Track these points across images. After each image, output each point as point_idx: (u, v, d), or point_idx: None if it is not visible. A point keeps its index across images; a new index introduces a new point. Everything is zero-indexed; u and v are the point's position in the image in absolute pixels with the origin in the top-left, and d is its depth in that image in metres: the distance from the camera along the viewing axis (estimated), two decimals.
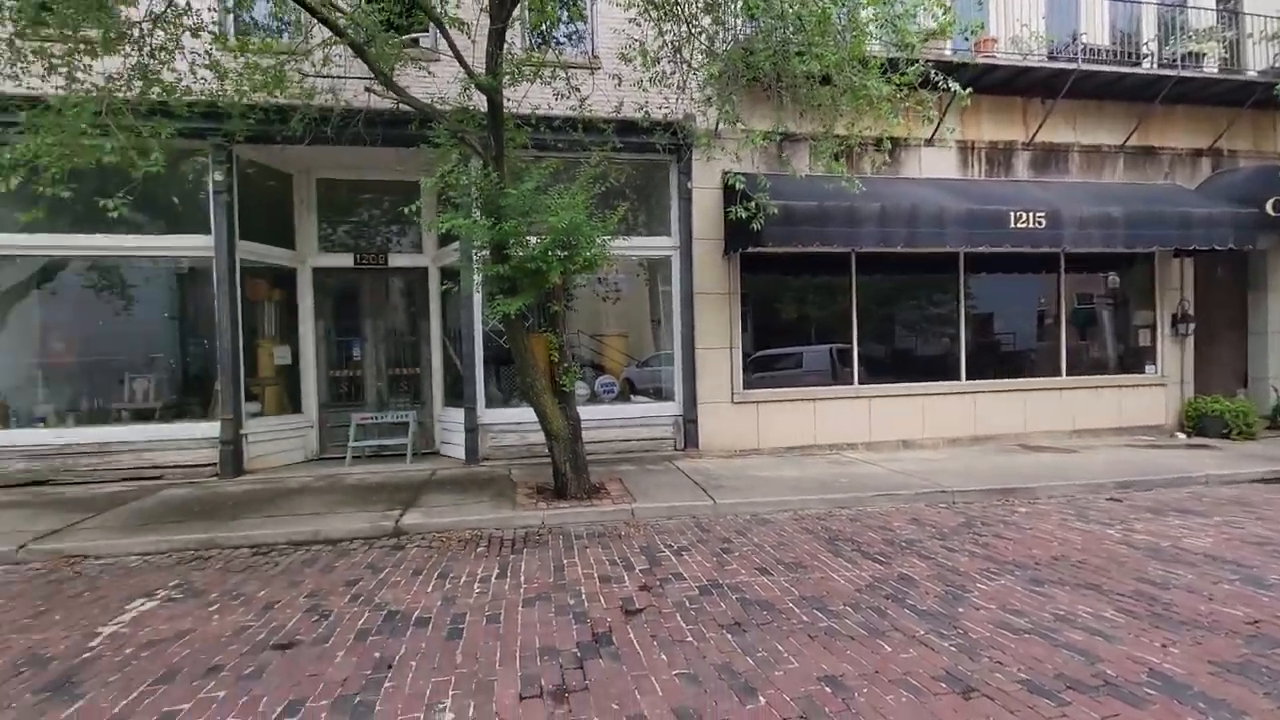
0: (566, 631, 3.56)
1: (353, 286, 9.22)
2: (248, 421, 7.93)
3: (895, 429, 8.99)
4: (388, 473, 7.85)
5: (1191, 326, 9.99)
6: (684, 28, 6.29)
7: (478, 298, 8.20)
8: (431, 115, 5.90)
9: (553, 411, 6.33)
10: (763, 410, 8.71)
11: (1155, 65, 9.45)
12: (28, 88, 5.51)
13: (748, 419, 8.67)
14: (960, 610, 3.76)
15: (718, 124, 7.51)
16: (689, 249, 8.54)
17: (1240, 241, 8.80)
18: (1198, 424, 9.66)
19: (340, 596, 4.15)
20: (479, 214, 5.67)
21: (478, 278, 7.55)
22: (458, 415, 8.71)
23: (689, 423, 8.58)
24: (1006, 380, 9.53)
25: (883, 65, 5.63)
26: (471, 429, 8.18)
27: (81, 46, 5.33)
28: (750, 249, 8.00)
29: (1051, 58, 9.17)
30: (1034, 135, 9.45)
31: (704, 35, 6.35)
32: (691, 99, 7.27)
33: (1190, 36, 9.65)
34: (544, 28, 7.50)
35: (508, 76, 5.94)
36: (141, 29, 5.69)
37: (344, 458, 8.60)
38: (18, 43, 5.06)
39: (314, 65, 6.76)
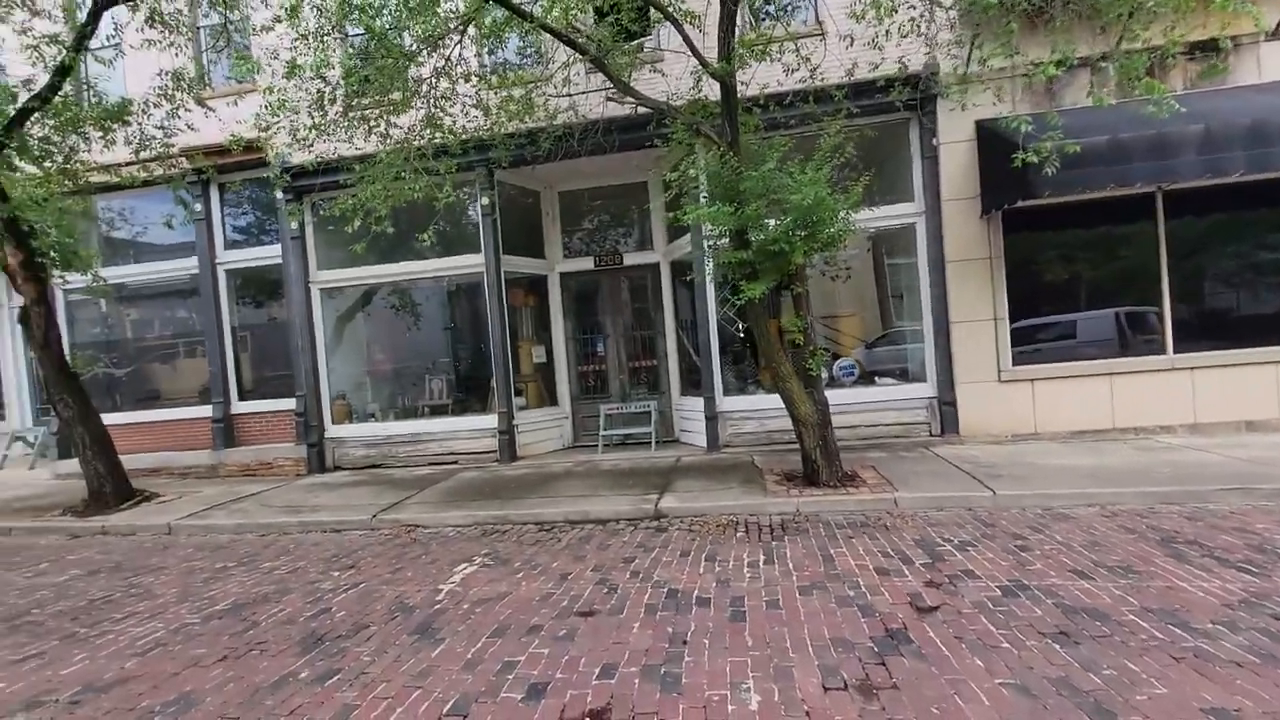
0: (854, 624, 3.38)
1: (593, 287, 9.96)
2: (517, 414, 8.99)
3: (1233, 407, 7.15)
4: (636, 459, 8.33)
5: None
6: None
7: (711, 287, 8.32)
8: (667, 112, 6.06)
9: (800, 396, 6.14)
10: (1039, 389, 7.53)
11: None
12: (356, 149, 6.80)
13: (1020, 399, 7.57)
14: None
15: (968, 64, 6.64)
16: (936, 213, 7.70)
17: None
18: None
19: (622, 572, 4.45)
20: (719, 201, 5.68)
21: (709, 266, 7.68)
22: (695, 404, 8.94)
23: (945, 405, 7.76)
24: None
25: None
26: (711, 417, 8.33)
27: (390, 108, 6.43)
28: (1019, 203, 6.92)
29: None
30: None
31: None
32: (935, 44, 6.52)
33: None
34: (769, 5, 7.27)
35: (738, 59, 5.86)
36: (430, 84, 6.70)
37: (594, 445, 9.36)
38: (350, 113, 6.27)
39: (555, 87, 7.41)
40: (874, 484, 6.07)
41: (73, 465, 9.29)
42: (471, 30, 6.42)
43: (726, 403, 8.42)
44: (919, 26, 6.25)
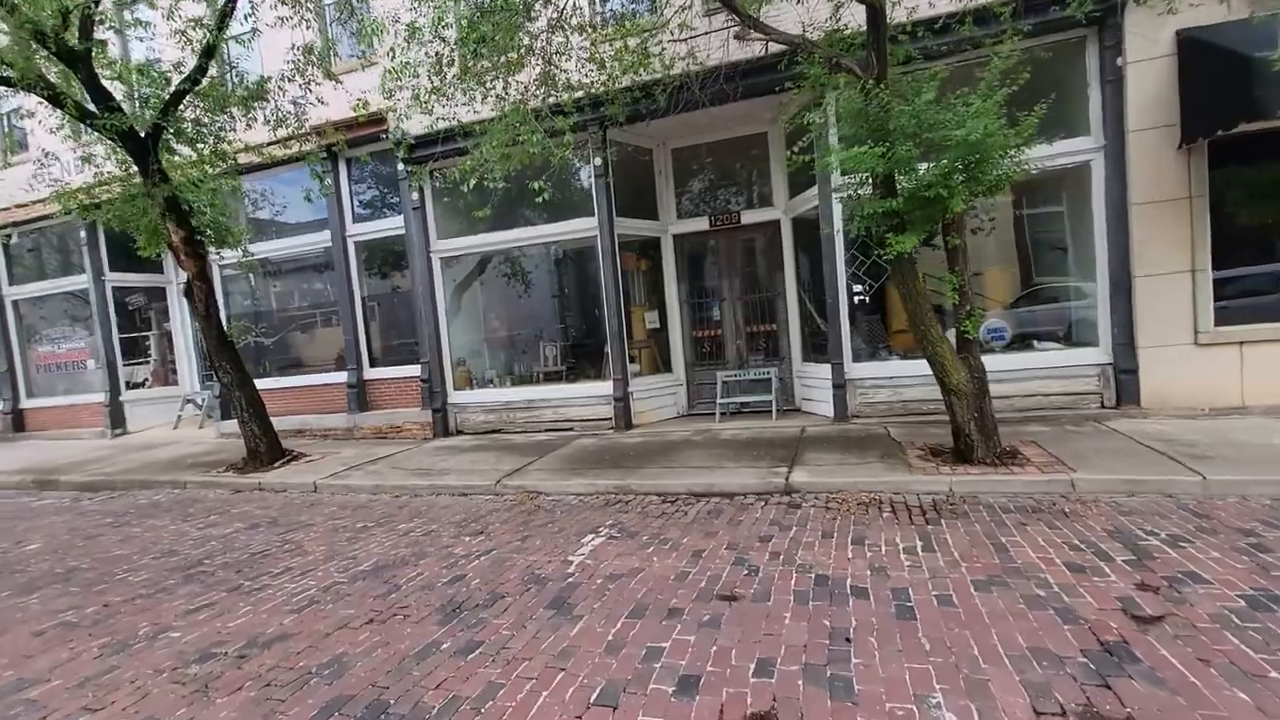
0: (1055, 632, 2.85)
1: (708, 248, 9.50)
2: (631, 381, 8.82)
3: None
4: (757, 429, 7.92)
5: None
6: None
7: (840, 244, 7.65)
8: (801, 46, 5.44)
9: (952, 363, 5.45)
10: (1250, 354, 6.31)
11: None
12: (474, 112, 6.70)
13: (1222, 365, 6.38)
14: None
15: None
16: (1119, 147, 6.55)
17: None
18: None
19: (760, 552, 4.12)
20: (863, 144, 5.03)
21: (838, 219, 6.99)
22: (819, 370, 8.36)
23: (1124, 373, 6.70)
24: None
25: None
26: (839, 385, 7.73)
27: (505, 67, 6.24)
28: (1240, 127, 5.68)
29: None
30: None
31: None
32: None
33: None
34: None
35: None
36: (545, 39, 6.44)
37: (709, 413, 9.04)
38: (467, 74, 6.14)
39: (671, 34, 6.93)
40: (1041, 462, 5.32)
41: (233, 425, 10.19)
42: None
43: (856, 369, 7.77)
44: None
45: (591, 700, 2.61)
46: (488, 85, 6.51)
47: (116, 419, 11.86)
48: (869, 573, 3.65)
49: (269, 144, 7.58)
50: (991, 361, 7.17)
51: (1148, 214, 6.49)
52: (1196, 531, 3.90)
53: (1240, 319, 6.40)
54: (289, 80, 6.64)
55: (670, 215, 9.42)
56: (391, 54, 5.67)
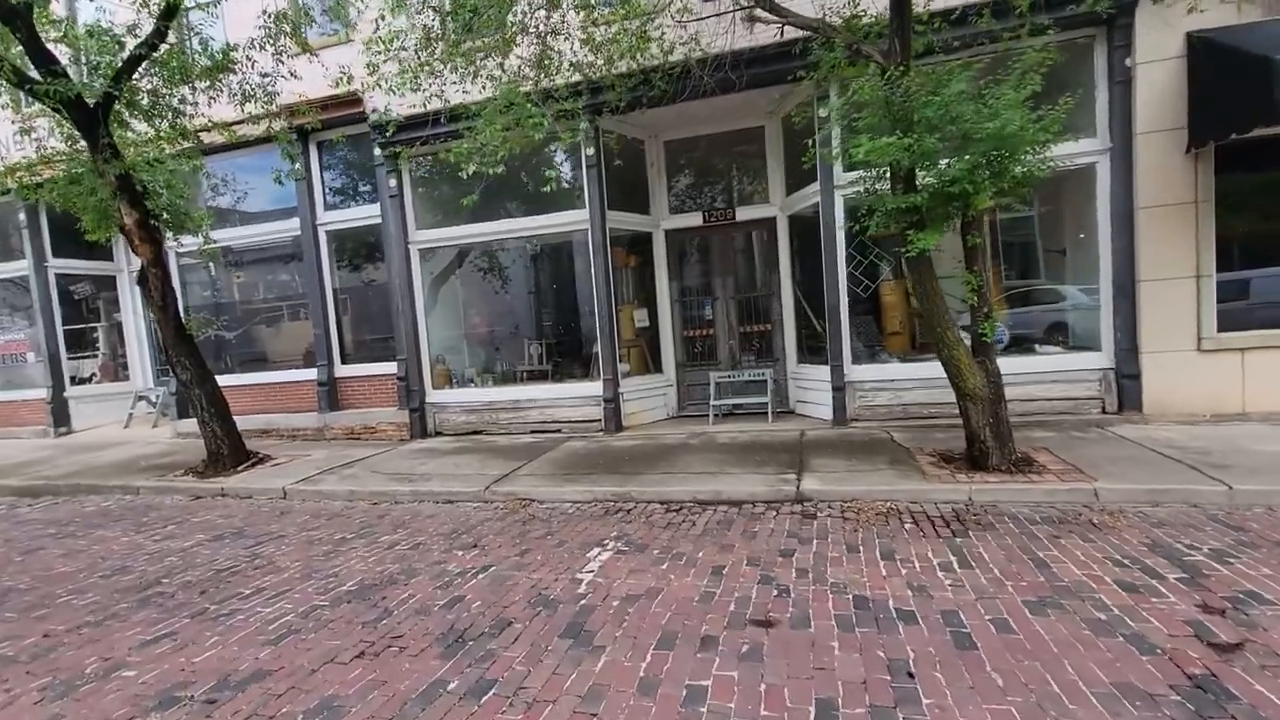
0: (1133, 663, 2.61)
1: (701, 245, 9.21)
2: (622, 381, 8.46)
3: None
4: (753, 432, 7.65)
5: None
6: None
7: (841, 242, 7.43)
8: (821, 31, 5.16)
9: (969, 366, 5.25)
10: (1252, 361, 6.28)
11: None
12: (463, 93, 6.23)
13: (1224, 372, 6.35)
14: None
15: None
16: (1126, 149, 6.46)
17: None
18: None
19: (785, 569, 3.82)
20: (882, 134, 4.77)
21: (840, 215, 6.75)
22: (816, 372, 8.14)
23: (1126, 378, 6.63)
24: None
25: None
26: (839, 387, 7.51)
27: (498, 44, 5.81)
28: (1253, 132, 5.60)
29: None
30: None
31: None
32: None
33: None
34: None
35: None
36: (539, 18, 6.03)
37: (700, 415, 8.76)
38: (456, 52, 5.69)
39: (673, 17, 6.59)
40: (1058, 470, 5.15)
41: (191, 424, 9.51)
42: None
43: (856, 372, 7.57)
44: None
45: None
46: (478, 64, 6.09)
47: (60, 417, 10.99)
48: (910, 593, 3.38)
49: (236, 122, 6.98)
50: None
51: (1154, 218, 6.41)
52: (1238, 546, 3.74)
53: (1243, 325, 6.37)
54: (260, 48, 6.07)
55: (662, 210, 9.09)
56: (377, 23, 5.20)
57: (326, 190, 9.55)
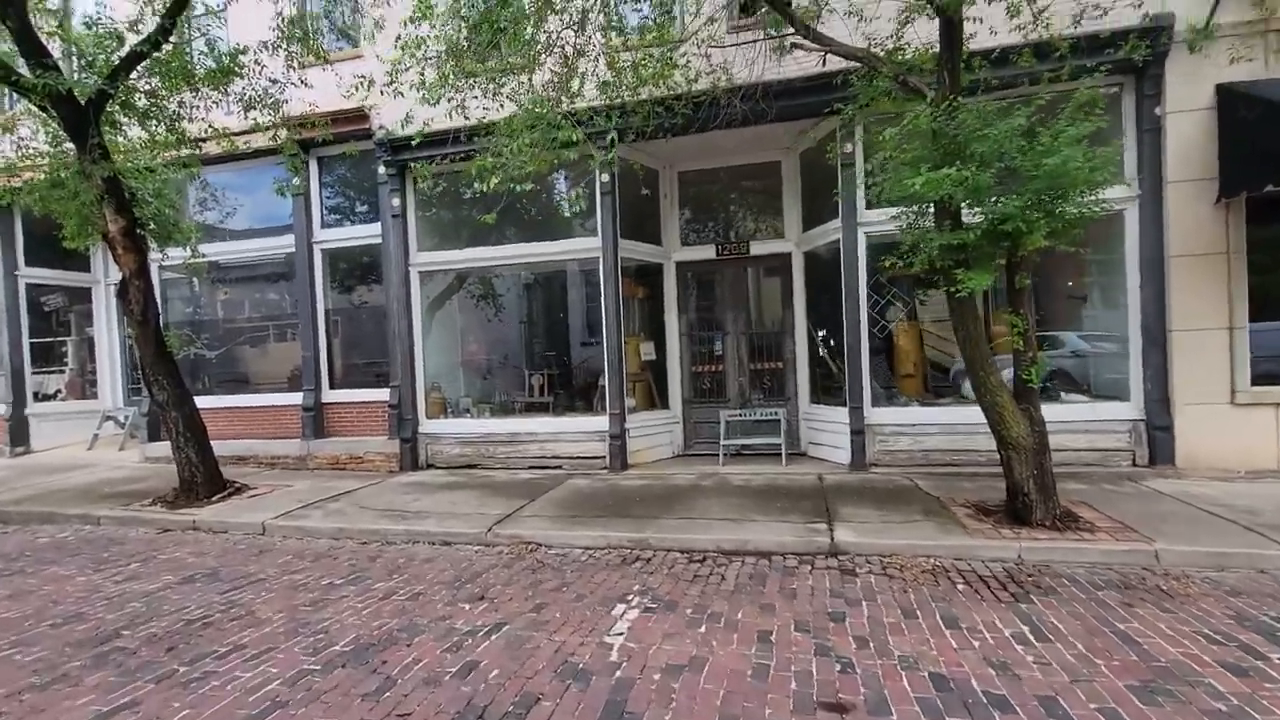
0: None
1: (713, 278, 8.96)
2: (628, 416, 8.06)
3: None
4: (768, 474, 7.27)
5: None
6: None
7: (864, 280, 7.20)
8: (866, 61, 4.97)
9: (1012, 414, 4.96)
10: None
11: None
12: (483, 109, 5.95)
13: (1259, 426, 6.16)
14: None
15: (1210, 16, 5.33)
16: (1155, 197, 6.36)
17: None
18: None
19: (840, 636, 3.42)
20: (922, 167, 4.55)
21: (864, 255, 6.53)
22: (831, 414, 7.84)
23: (1158, 430, 6.40)
24: None
25: None
26: (858, 431, 7.19)
27: (524, 62, 5.56)
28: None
29: None
30: None
31: None
32: None
33: None
34: None
35: None
36: (567, 37, 5.81)
37: (708, 454, 8.38)
38: (481, 67, 5.41)
39: (697, 46, 6.44)
40: (1108, 528, 4.84)
41: (162, 448, 8.89)
42: None
43: (875, 415, 7.26)
44: None
45: None
46: (499, 83, 5.83)
47: (18, 436, 10.24)
48: (992, 671, 2.99)
49: (242, 132, 6.60)
50: None
51: (1184, 267, 6.29)
52: None
53: (1277, 379, 6.20)
54: (272, 51, 5.74)
55: (674, 241, 8.84)
56: (401, 32, 4.91)
57: (324, 207, 9.17)
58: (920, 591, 4.03)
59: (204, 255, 7.78)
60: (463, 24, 4.88)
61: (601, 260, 7.87)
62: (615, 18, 6.35)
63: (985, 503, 5.58)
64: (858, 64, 5.13)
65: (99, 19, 5.38)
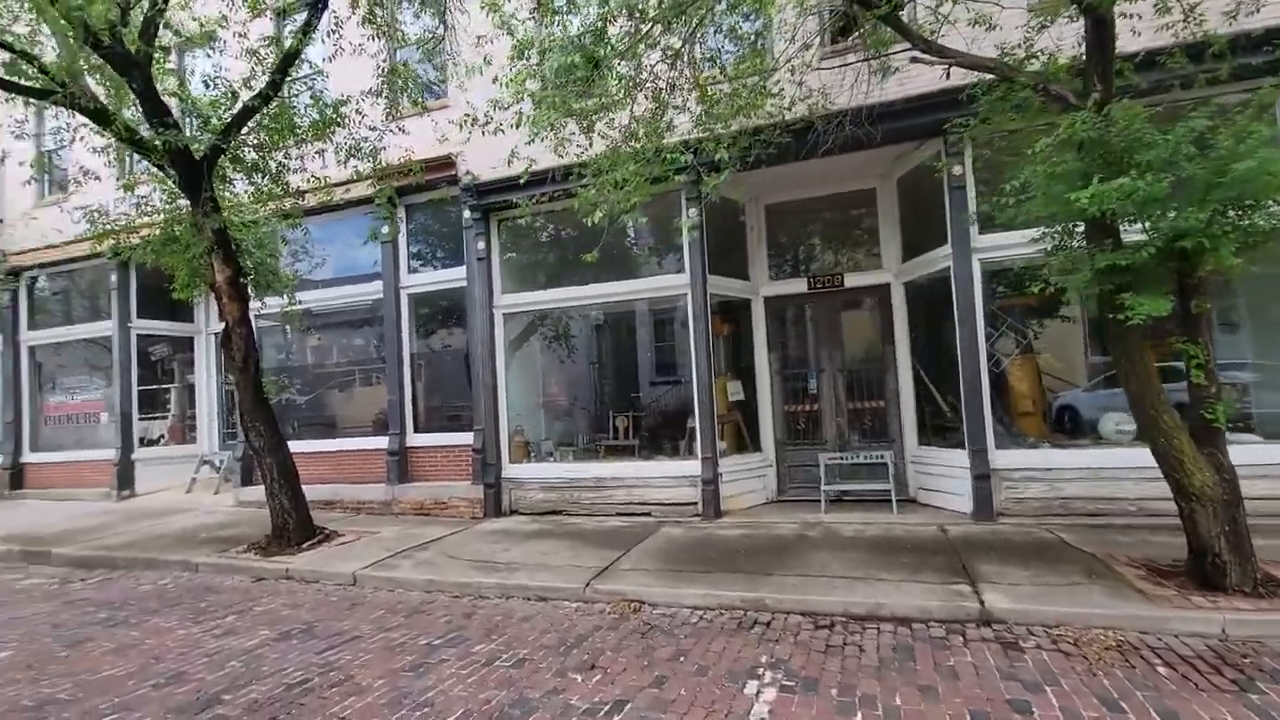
0: None
1: (805, 313, 8.51)
2: (720, 460, 7.61)
3: None
4: (879, 524, 6.64)
5: None
6: None
7: (981, 309, 6.61)
8: (996, 70, 4.56)
9: (1194, 460, 4.26)
10: None
11: None
12: (577, 148, 5.83)
13: None
14: None
15: None
16: None
17: None
18: None
19: None
20: (1066, 181, 4.04)
21: (980, 283, 5.96)
22: (944, 456, 7.16)
23: None
24: None
25: None
26: (982, 475, 6.48)
27: (623, 91, 5.43)
28: None
29: None
30: None
31: None
32: None
33: None
34: None
35: None
36: (661, 72, 5.66)
37: (804, 500, 7.82)
38: (575, 112, 5.29)
39: (791, 73, 6.18)
40: None
41: (254, 492, 9.04)
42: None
43: (1001, 458, 6.54)
44: None
45: None
46: (591, 120, 5.71)
47: (125, 479, 10.68)
48: None
49: (344, 183, 6.75)
50: (1120, 455, 6.06)
51: None
52: None
53: None
54: (376, 97, 5.84)
55: (762, 275, 8.47)
56: (513, 59, 4.86)
57: (410, 253, 9.32)
58: (1113, 675, 3.38)
59: (300, 303, 7.96)
60: (564, 57, 4.76)
61: (690, 296, 7.57)
62: (710, 50, 6.16)
63: (1155, 561, 4.81)
64: (987, 76, 4.71)
65: (217, 76, 5.63)
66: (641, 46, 5.50)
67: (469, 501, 8.30)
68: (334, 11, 5.64)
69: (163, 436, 11.77)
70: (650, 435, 8.65)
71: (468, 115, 5.33)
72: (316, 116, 5.91)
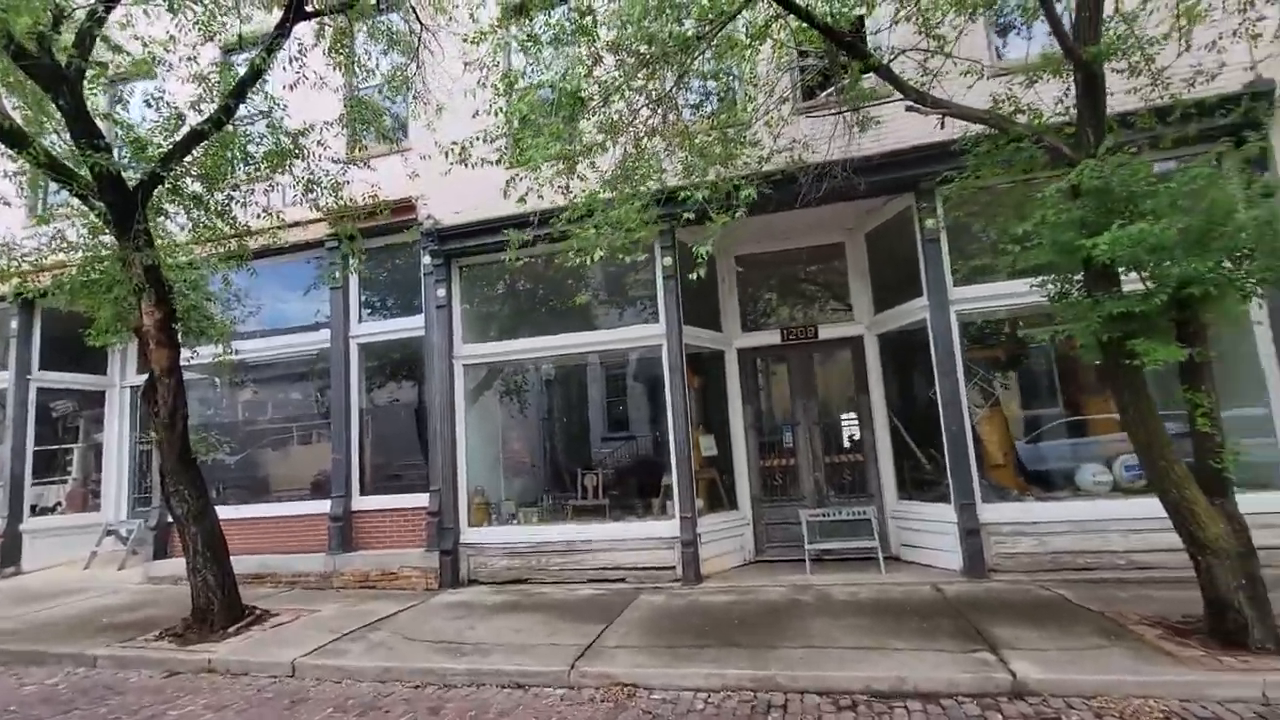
0: None
1: (779, 365, 8.35)
2: (698, 520, 7.18)
3: None
4: (871, 585, 6.32)
5: None
6: None
7: (960, 359, 6.60)
8: (990, 122, 4.60)
9: (1205, 510, 4.17)
10: None
11: None
12: (555, 191, 5.56)
13: None
14: None
15: None
16: None
17: None
18: None
19: None
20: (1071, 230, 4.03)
21: (957, 335, 5.95)
22: (927, 511, 7.00)
23: None
24: None
25: None
26: (972, 531, 6.30)
27: (609, 133, 5.24)
28: None
29: None
30: None
31: None
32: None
33: None
34: None
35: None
36: (644, 116, 5.53)
37: (784, 560, 7.49)
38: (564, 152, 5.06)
39: (770, 125, 6.20)
40: None
41: (169, 566, 7.98)
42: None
43: (989, 512, 6.40)
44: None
45: None
46: (573, 162, 5.48)
47: (9, 554, 9.22)
48: None
49: (296, 224, 6.19)
50: (1137, 506, 6.02)
51: None
52: None
53: None
54: (341, 126, 5.41)
55: (734, 326, 8.30)
56: (484, 107, 4.57)
57: (362, 300, 8.71)
58: None
59: (236, 352, 7.21)
60: (551, 91, 4.53)
61: (665, 347, 7.28)
62: (692, 98, 6.11)
63: (1166, 619, 4.65)
64: (973, 129, 4.77)
65: (159, 96, 5.07)
66: (626, 90, 5.38)
67: (421, 571, 7.50)
68: (298, 39, 5.26)
69: (59, 504, 10.34)
70: (621, 494, 8.15)
71: (449, 148, 4.97)
72: (273, 146, 5.41)
